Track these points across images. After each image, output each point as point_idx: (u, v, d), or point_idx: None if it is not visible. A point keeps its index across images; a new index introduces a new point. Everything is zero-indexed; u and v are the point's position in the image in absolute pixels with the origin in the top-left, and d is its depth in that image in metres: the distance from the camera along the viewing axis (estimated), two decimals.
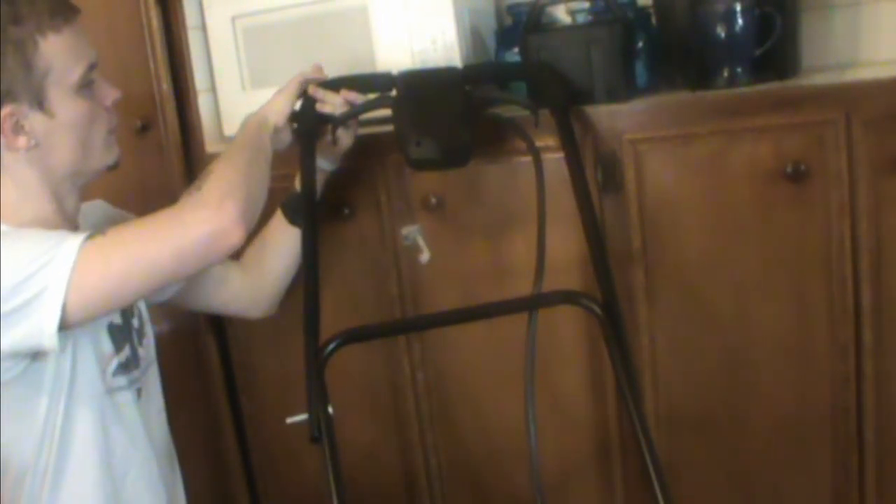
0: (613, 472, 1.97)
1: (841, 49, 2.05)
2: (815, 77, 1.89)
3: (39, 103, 1.51)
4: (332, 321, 1.67)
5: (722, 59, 1.84)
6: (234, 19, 2.06)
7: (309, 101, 1.81)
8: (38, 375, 1.52)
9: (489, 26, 2.17)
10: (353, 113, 1.79)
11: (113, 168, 1.66)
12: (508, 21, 2.18)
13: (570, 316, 1.83)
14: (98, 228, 1.51)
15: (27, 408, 1.53)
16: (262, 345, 2.14)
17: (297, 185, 1.88)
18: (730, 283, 1.83)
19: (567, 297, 1.72)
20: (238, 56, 2.07)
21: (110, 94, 1.63)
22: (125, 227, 1.54)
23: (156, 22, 2.05)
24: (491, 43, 2.14)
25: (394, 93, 1.79)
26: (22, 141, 1.52)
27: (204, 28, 2.10)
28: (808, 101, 1.75)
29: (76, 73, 1.53)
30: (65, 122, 1.54)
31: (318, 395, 1.53)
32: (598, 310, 1.61)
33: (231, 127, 2.10)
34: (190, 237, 1.48)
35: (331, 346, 1.58)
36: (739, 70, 1.83)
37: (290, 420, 1.52)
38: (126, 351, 1.68)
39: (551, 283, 1.76)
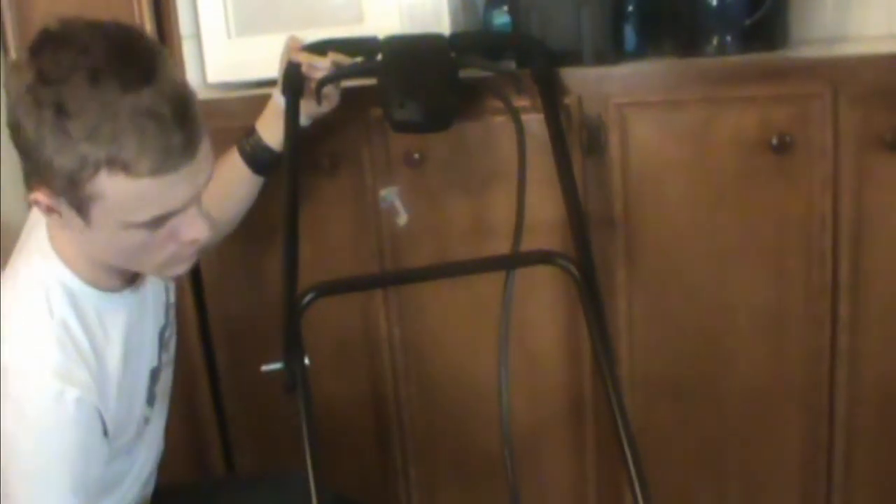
0: (586, 434, 1.98)
1: (830, 23, 2.05)
2: (803, 50, 1.89)
3: (79, 211, 1.26)
4: (309, 275, 1.67)
5: (712, 27, 1.84)
6: None
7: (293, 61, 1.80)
8: None
9: None
10: (339, 75, 1.77)
11: (167, 280, 1.51)
12: None
13: (548, 277, 1.84)
14: None
15: None
16: (239, 295, 2.13)
17: (262, 135, 1.83)
18: (709, 252, 1.84)
19: (544, 257, 1.72)
20: (224, 2, 2.04)
21: (191, 232, 1.34)
22: None
23: None
24: (480, 0, 2.13)
25: (379, 57, 1.78)
26: (55, 220, 1.32)
27: None
28: (796, 73, 1.75)
29: (133, 218, 1.27)
30: (103, 240, 1.32)
31: (293, 346, 1.53)
32: (574, 270, 1.61)
33: (215, 74, 2.08)
34: None
35: (308, 297, 1.57)
36: (729, 39, 1.83)
37: (265, 368, 1.52)
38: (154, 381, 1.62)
39: (530, 244, 1.76)
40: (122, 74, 1.20)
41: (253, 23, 2.03)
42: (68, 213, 1.28)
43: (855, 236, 1.76)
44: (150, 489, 1.71)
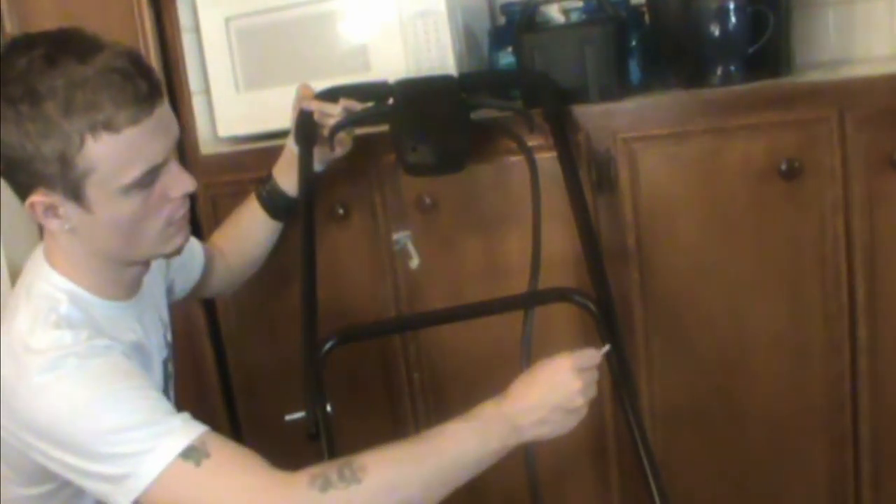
0: (609, 469, 1.98)
1: (834, 46, 2.06)
2: (808, 74, 1.90)
3: (76, 197, 1.33)
4: (326, 322, 1.67)
5: (715, 57, 1.84)
6: (227, 21, 2.05)
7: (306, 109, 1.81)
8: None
9: (482, 26, 2.17)
10: (351, 121, 1.80)
11: (171, 256, 1.53)
12: (502, 20, 2.18)
13: (565, 315, 1.83)
14: (202, 441, 1.32)
15: None
16: (257, 345, 2.14)
17: (278, 181, 1.87)
18: (724, 281, 1.84)
19: (561, 295, 1.72)
20: (232, 57, 2.06)
21: (179, 186, 1.40)
22: (220, 472, 1.32)
23: (149, 23, 2.05)
24: (484, 42, 2.14)
25: (391, 101, 1.80)
26: (54, 224, 1.37)
27: (197, 30, 2.09)
28: (802, 98, 1.76)
29: (127, 178, 1.33)
30: (103, 220, 1.36)
31: (315, 393, 1.53)
32: (592, 306, 1.60)
33: (226, 128, 2.10)
34: None
35: (328, 345, 1.57)
36: (733, 68, 1.84)
37: (288, 417, 1.51)
38: None
39: (546, 282, 1.76)
40: (75, 50, 1.29)
41: (261, 76, 2.05)
42: (65, 206, 1.35)
43: (869, 257, 1.76)
44: None
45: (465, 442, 1.39)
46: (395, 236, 1.89)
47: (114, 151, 1.30)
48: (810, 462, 1.88)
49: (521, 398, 1.41)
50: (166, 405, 1.37)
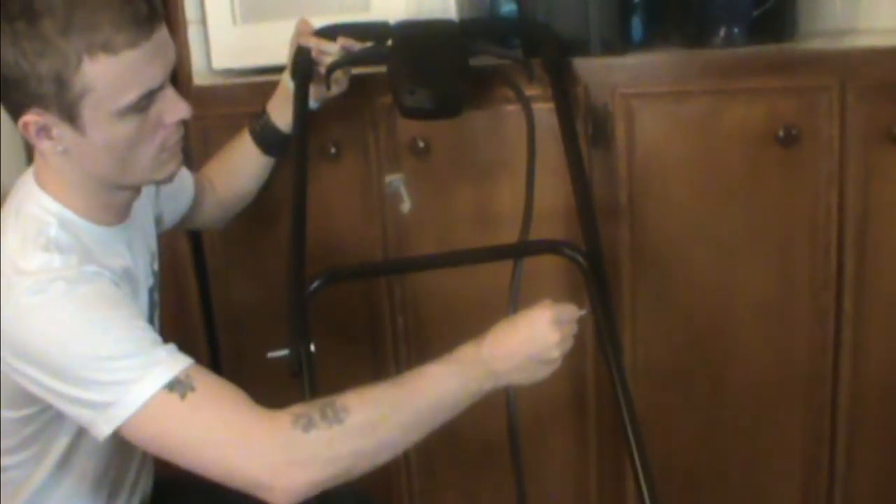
0: (588, 421, 1.99)
1: (839, 15, 2.03)
2: (811, 42, 1.89)
3: (70, 119, 1.32)
4: (312, 261, 1.66)
5: (719, 18, 1.83)
6: None
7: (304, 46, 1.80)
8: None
9: None
10: (349, 60, 1.78)
11: (163, 183, 1.51)
12: None
13: (554, 267, 1.83)
14: (187, 374, 1.32)
15: (43, 442, 1.49)
16: (244, 280, 2.13)
17: (272, 116, 1.86)
18: (714, 244, 1.84)
19: (552, 247, 1.72)
20: None
21: (175, 112, 1.39)
22: (204, 405, 1.31)
23: None
24: None
25: (390, 42, 1.78)
26: (47, 145, 1.35)
27: None
28: (804, 65, 1.75)
29: (123, 101, 1.32)
30: (97, 143, 1.35)
31: (300, 331, 1.52)
32: (582, 260, 1.60)
33: (220, 61, 2.08)
34: (240, 471, 1.31)
35: (315, 284, 1.56)
36: (736, 30, 1.83)
37: (270, 355, 1.51)
38: None
39: (535, 234, 1.75)
40: None
41: (259, 9, 2.02)
42: (59, 127, 1.33)
43: (860, 230, 1.76)
44: (148, 482, 1.72)
45: (445, 384, 1.41)
46: (388, 179, 1.88)
47: (111, 73, 1.29)
48: (787, 426, 1.90)
49: (499, 344, 1.44)
50: (153, 335, 1.36)
